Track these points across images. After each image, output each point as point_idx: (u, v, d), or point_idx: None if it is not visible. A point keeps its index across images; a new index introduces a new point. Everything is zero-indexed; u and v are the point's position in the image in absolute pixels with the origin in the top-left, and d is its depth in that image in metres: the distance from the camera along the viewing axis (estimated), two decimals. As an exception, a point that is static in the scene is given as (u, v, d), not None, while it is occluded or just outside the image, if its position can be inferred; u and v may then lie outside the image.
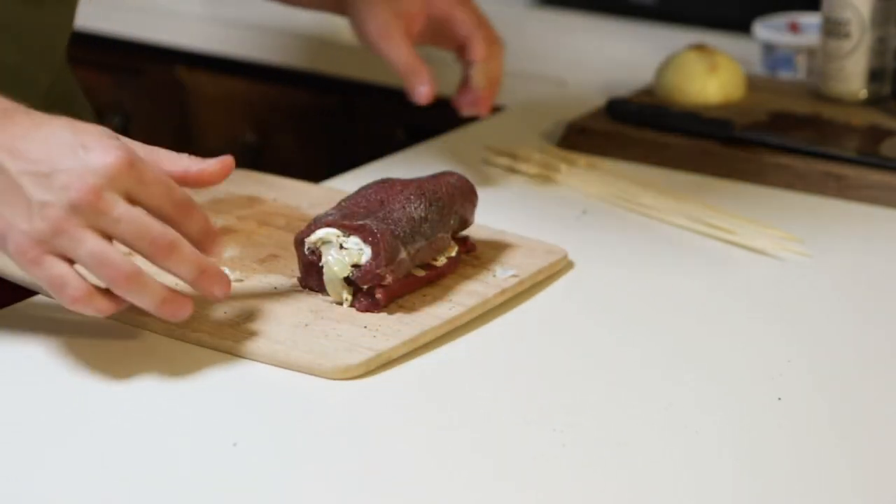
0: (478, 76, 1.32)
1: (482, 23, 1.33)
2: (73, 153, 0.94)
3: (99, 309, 0.97)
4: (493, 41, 1.34)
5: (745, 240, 1.21)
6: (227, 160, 1.02)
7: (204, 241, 0.98)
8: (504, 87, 1.67)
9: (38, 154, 0.94)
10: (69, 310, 1.07)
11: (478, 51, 1.32)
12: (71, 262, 0.95)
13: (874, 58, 1.46)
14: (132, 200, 0.95)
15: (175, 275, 0.97)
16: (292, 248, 1.08)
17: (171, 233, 0.96)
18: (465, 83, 1.35)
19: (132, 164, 0.95)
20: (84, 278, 0.96)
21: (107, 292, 0.97)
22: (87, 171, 0.93)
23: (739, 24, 1.71)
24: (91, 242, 0.94)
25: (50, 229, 0.93)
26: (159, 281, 0.97)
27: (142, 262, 0.97)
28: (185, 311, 0.98)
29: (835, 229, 1.26)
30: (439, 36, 1.36)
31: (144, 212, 0.96)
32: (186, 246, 0.97)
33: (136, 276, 0.95)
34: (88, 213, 0.93)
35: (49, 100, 1.26)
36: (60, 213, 0.93)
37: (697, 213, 1.26)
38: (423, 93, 1.30)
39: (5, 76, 1.19)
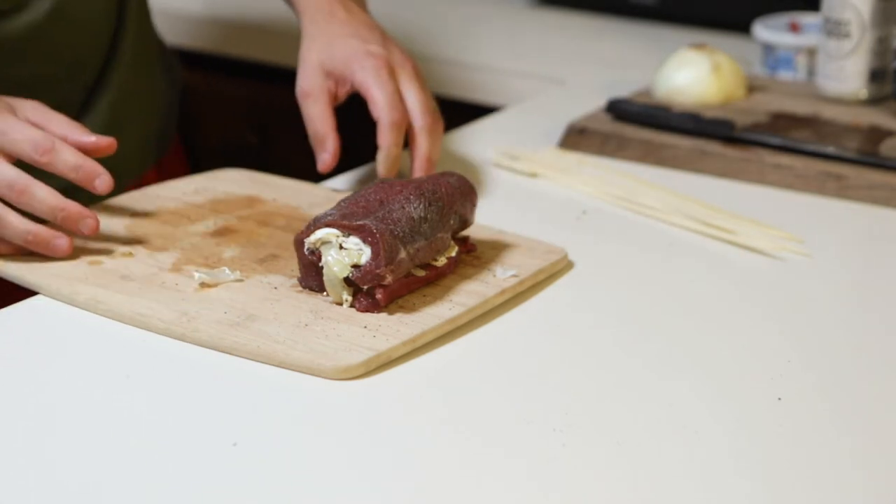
0: (379, 160, 1.26)
1: (393, 105, 1.26)
2: None
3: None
4: (432, 121, 1.28)
5: (745, 240, 1.21)
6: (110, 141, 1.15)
7: (78, 178, 1.11)
8: (504, 86, 1.67)
9: None
10: (68, 306, 1.07)
11: (381, 137, 1.26)
12: None
13: (874, 58, 1.46)
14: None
15: (34, 213, 1.11)
16: (292, 248, 1.08)
17: (24, 177, 1.10)
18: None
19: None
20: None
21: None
22: None
23: (739, 24, 1.72)
24: None
25: None
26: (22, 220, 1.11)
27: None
28: (62, 248, 1.12)
29: (835, 229, 1.26)
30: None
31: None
32: (39, 188, 1.11)
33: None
34: None
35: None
36: None
37: (697, 213, 1.26)
38: (324, 160, 1.27)
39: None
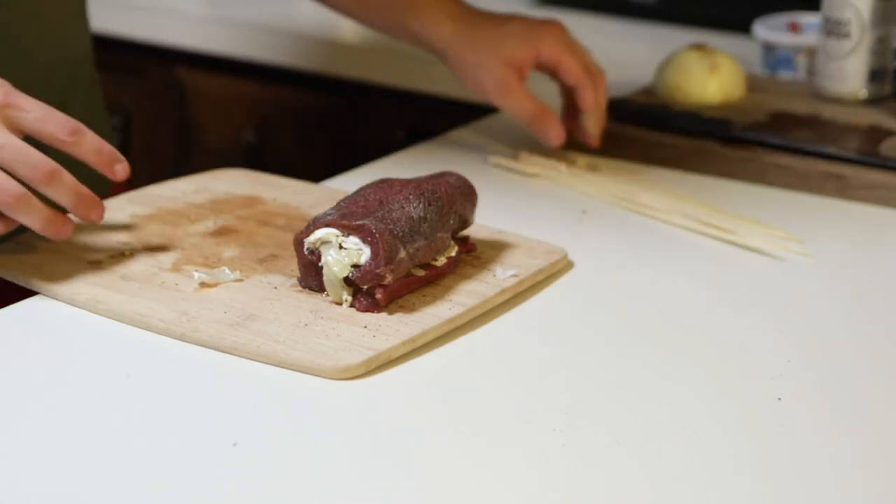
0: (589, 123, 1.35)
1: (588, 67, 1.34)
2: None
3: None
4: (597, 75, 1.35)
5: (745, 240, 1.21)
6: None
7: (100, 160, 1.08)
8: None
9: None
10: (68, 306, 1.07)
11: (587, 100, 1.34)
12: None
13: (874, 58, 1.46)
14: (17, 130, 1.05)
15: (56, 200, 1.07)
16: (292, 248, 1.08)
17: (51, 161, 1.05)
18: (568, 112, 1.37)
19: (9, 93, 1.05)
20: None
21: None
22: None
23: (739, 24, 1.72)
24: None
25: None
26: (43, 203, 1.06)
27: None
28: (68, 231, 1.08)
29: (835, 229, 1.26)
30: (554, 80, 1.37)
31: (25, 143, 1.04)
32: (66, 174, 1.06)
33: (25, 198, 1.05)
34: None
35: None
36: None
37: (697, 213, 1.26)
38: (553, 136, 1.34)
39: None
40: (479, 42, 1.33)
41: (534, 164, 1.37)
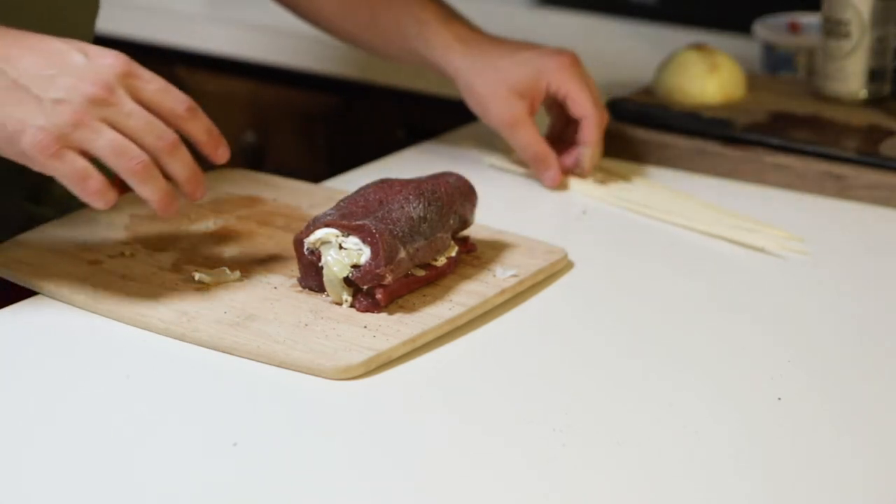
0: (586, 157, 1.32)
1: (596, 102, 1.33)
2: (73, 58, 1.02)
3: (108, 200, 1.03)
4: (603, 111, 1.34)
5: (746, 238, 1.21)
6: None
7: (208, 140, 1.06)
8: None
9: (34, 59, 1.01)
10: (68, 306, 1.07)
11: (591, 134, 1.32)
12: (86, 155, 1.02)
13: (874, 58, 1.46)
14: (139, 100, 1.03)
15: (170, 171, 1.04)
16: (292, 248, 1.08)
17: (174, 133, 1.04)
18: (566, 144, 1.35)
19: (131, 63, 1.04)
20: (101, 173, 1.02)
21: (113, 186, 1.04)
22: (96, 70, 1.01)
23: (739, 24, 1.71)
24: (109, 133, 1.01)
25: (68, 123, 1.00)
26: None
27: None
28: (176, 208, 1.05)
29: (835, 229, 1.26)
30: (551, 107, 1.36)
31: (149, 113, 1.03)
32: (185, 148, 1.05)
33: (151, 167, 1.03)
34: (103, 106, 1.01)
35: None
36: (78, 107, 1.00)
37: (697, 213, 1.26)
38: (550, 178, 1.32)
39: None
40: (489, 70, 1.32)
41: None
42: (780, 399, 0.98)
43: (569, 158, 1.34)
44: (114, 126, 1.01)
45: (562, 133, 1.36)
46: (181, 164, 1.04)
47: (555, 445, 0.92)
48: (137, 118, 1.02)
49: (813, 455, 0.92)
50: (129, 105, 1.02)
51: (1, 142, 1.01)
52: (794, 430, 0.95)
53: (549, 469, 0.90)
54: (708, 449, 0.92)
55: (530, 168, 1.34)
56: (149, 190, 1.03)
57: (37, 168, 1.02)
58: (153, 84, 1.04)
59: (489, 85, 1.32)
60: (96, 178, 1.02)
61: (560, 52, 1.33)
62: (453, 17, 1.36)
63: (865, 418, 0.96)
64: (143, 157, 1.02)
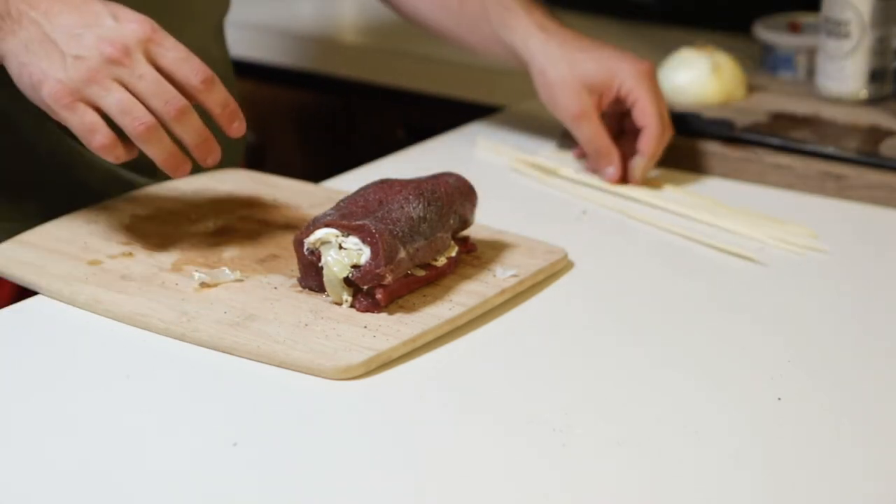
0: (639, 167, 1.32)
1: (663, 116, 1.33)
2: (105, 19, 1.08)
3: (117, 156, 1.09)
4: (668, 128, 1.34)
5: (746, 241, 1.21)
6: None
7: (223, 113, 1.10)
8: (504, 86, 1.67)
9: (70, 17, 1.08)
10: (69, 306, 1.07)
11: (650, 146, 1.32)
12: (98, 111, 1.07)
13: (874, 58, 1.46)
14: (156, 66, 1.08)
15: (180, 137, 1.09)
16: (292, 248, 1.08)
17: (184, 100, 1.08)
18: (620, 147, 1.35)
19: (156, 31, 1.08)
20: (110, 128, 1.08)
21: (125, 143, 1.09)
22: (119, 33, 1.07)
23: (739, 24, 1.71)
24: (118, 93, 1.07)
25: (83, 79, 1.07)
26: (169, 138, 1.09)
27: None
28: (185, 169, 1.10)
29: (835, 229, 1.26)
30: (608, 113, 1.36)
31: (162, 77, 1.08)
32: (195, 115, 1.09)
33: (154, 129, 1.08)
34: (118, 66, 1.07)
35: None
36: (94, 65, 1.06)
37: (697, 213, 1.26)
38: (611, 174, 1.33)
39: None
40: (564, 61, 1.33)
41: (534, 164, 1.37)
42: (780, 399, 0.98)
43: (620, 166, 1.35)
44: (125, 86, 1.07)
45: (619, 124, 1.37)
46: (190, 130, 1.08)
47: (555, 445, 0.92)
48: (148, 81, 1.07)
49: (813, 455, 0.92)
50: (143, 68, 1.07)
51: (27, 88, 1.08)
52: (794, 430, 0.95)
53: (550, 469, 0.90)
54: (708, 449, 0.92)
55: (592, 163, 1.34)
56: (152, 150, 1.08)
57: (54, 117, 1.08)
58: (173, 52, 1.08)
59: (562, 75, 1.33)
60: (103, 133, 1.07)
61: (640, 59, 1.34)
62: (537, 6, 1.37)
63: (865, 418, 0.96)
64: (148, 118, 1.07)
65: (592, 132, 1.33)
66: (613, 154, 1.33)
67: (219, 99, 1.10)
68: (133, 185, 1.30)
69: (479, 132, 1.48)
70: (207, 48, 1.35)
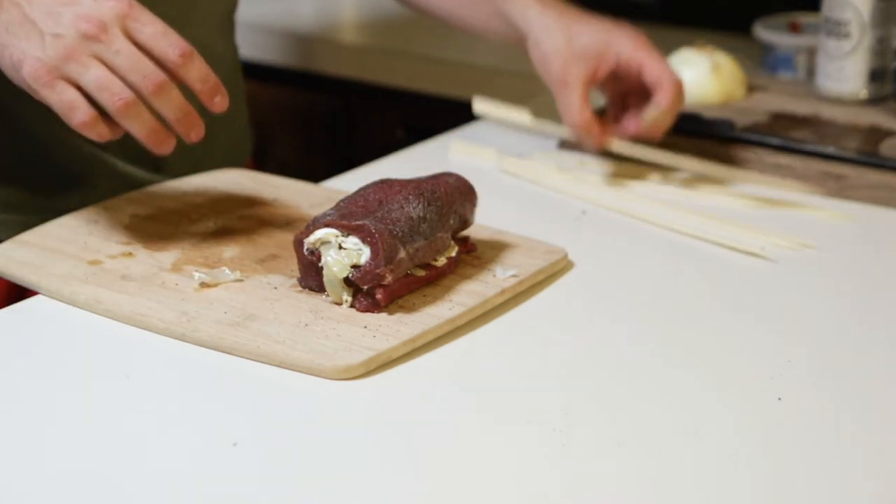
0: (650, 116, 1.31)
1: (673, 73, 1.32)
2: None
3: (100, 134, 1.08)
4: (680, 84, 1.32)
5: (746, 239, 1.21)
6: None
7: (203, 88, 1.09)
8: (504, 86, 1.68)
9: None
10: (69, 306, 1.07)
11: (664, 97, 1.30)
12: (80, 90, 1.07)
13: (874, 58, 1.46)
14: (134, 42, 1.08)
15: (160, 111, 1.08)
16: (292, 248, 1.08)
17: (162, 74, 1.07)
18: (629, 111, 1.35)
19: (133, 6, 1.08)
20: (91, 106, 1.07)
21: (108, 121, 1.08)
22: (97, 9, 1.07)
23: (739, 24, 1.72)
24: (97, 69, 1.07)
25: (61, 56, 1.06)
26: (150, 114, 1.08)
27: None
28: (169, 145, 1.10)
29: (835, 229, 1.26)
30: (608, 82, 1.35)
31: (141, 53, 1.08)
32: (174, 89, 1.08)
33: (133, 104, 1.07)
34: (95, 43, 1.07)
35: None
36: (72, 42, 1.07)
37: (697, 214, 1.26)
38: (591, 144, 1.33)
39: None
40: (560, 31, 1.33)
41: (534, 164, 1.37)
42: (780, 399, 0.98)
43: (632, 123, 1.33)
44: (104, 63, 1.07)
45: (624, 101, 1.36)
46: (168, 105, 1.08)
47: (555, 445, 0.92)
48: (125, 57, 1.07)
49: (813, 455, 0.92)
50: (120, 44, 1.07)
51: (9, 69, 1.09)
52: (794, 430, 0.95)
53: (550, 469, 0.90)
54: (708, 449, 0.92)
55: (572, 134, 1.33)
56: (133, 126, 1.08)
57: (35, 96, 1.08)
58: (150, 27, 1.08)
59: (556, 44, 1.32)
60: (84, 111, 1.07)
61: (635, 30, 1.33)
62: None
63: (866, 418, 0.96)
64: (127, 93, 1.07)
65: (575, 102, 1.31)
66: (595, 127, 1.32)
67: (198, 74, 1.09)
68: (136, 181, 1.30)
69: (480, 132, 1.48)
70: (212, 45, 1.35)
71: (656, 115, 1.31)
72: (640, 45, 1.32)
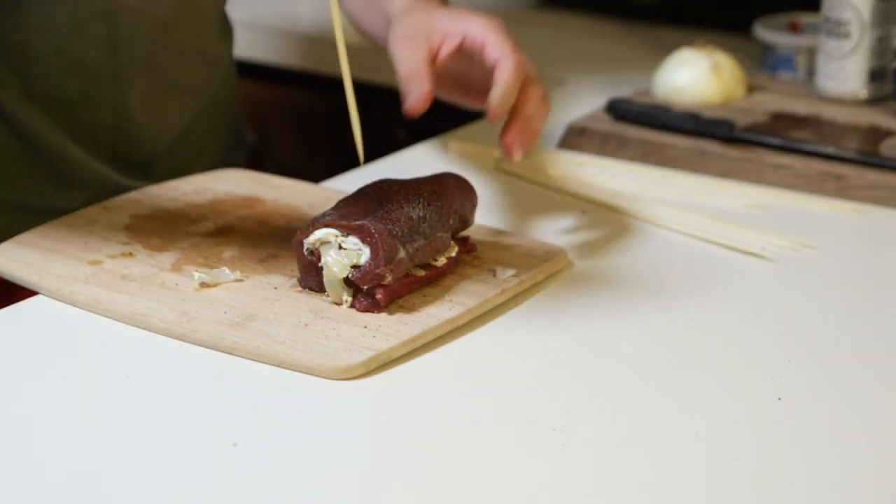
0: (495, 97, 1.18)
1: (521, 57, 1.23)
2: None
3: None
4: (527, 64, 1.24)
5: (746, 239, 1.21)
6: None
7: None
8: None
9: None
10: (69, 306, 1.07)
11: (503, 74, 1.20)
12: None
13: (874, 58, 1.46)
14: None
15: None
16: (292, 248, 1.08)
17: None
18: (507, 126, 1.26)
19: None
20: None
21: None
22: None
23: (739, 24, 1.71)
24: None
25: None
26: None
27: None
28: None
29: (835, 229, 1.26)
30: (470, 64, 1.28)
31: None
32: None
33: None
34: None
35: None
36: None
37: (697, 214, 1.26)
38: (414, 99, 1.18)
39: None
40: (415, 20, 1.27)
41: (534, 164, 1.37)
42: (780, 399, 0.98)
43: (508, 135, 1.22)
44: None
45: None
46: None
47: (555, 445, 0.92)
48: None
49: (813, 455, 0.92)
50: None
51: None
52: (794, 430, 0.95)
53: (550, 469, 0.90)
54: (708, 449, 0.92)
55: (402, 88, 1.22)
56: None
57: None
58: None
59: (409, 29, 1.25)
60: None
61: (485, 15, 1.27)
62: None
63: (866, 418, 0.96)
64: None
65: (409, 52, 1.22)
66: (425, 79, 1.20)
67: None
68: (125, 188, 1.30)
69: (480, 132, 1.48)
70: (209, 48, 1.35)
71: (499, 92, 1.19)
72: (490, 27, 1.24)
